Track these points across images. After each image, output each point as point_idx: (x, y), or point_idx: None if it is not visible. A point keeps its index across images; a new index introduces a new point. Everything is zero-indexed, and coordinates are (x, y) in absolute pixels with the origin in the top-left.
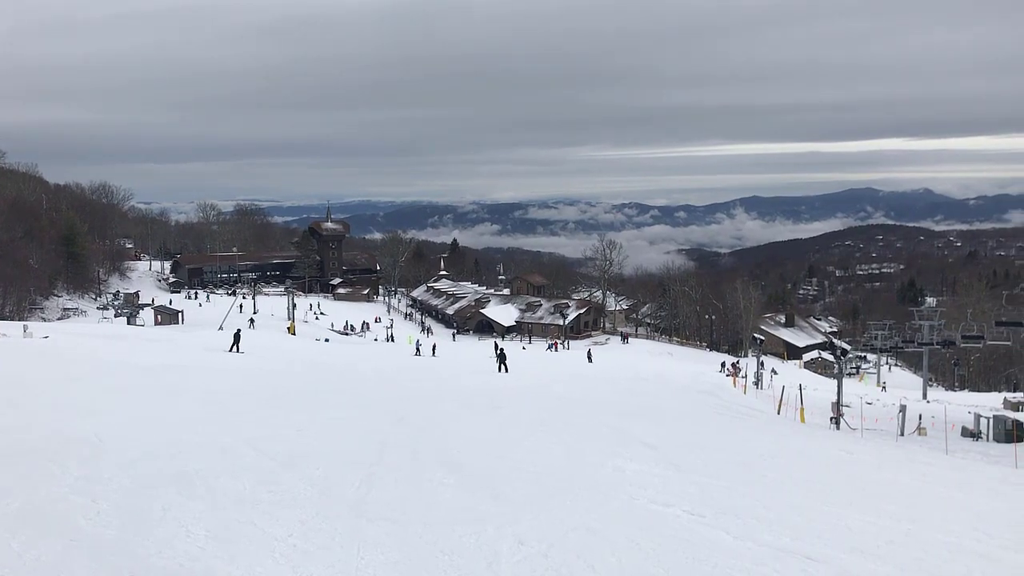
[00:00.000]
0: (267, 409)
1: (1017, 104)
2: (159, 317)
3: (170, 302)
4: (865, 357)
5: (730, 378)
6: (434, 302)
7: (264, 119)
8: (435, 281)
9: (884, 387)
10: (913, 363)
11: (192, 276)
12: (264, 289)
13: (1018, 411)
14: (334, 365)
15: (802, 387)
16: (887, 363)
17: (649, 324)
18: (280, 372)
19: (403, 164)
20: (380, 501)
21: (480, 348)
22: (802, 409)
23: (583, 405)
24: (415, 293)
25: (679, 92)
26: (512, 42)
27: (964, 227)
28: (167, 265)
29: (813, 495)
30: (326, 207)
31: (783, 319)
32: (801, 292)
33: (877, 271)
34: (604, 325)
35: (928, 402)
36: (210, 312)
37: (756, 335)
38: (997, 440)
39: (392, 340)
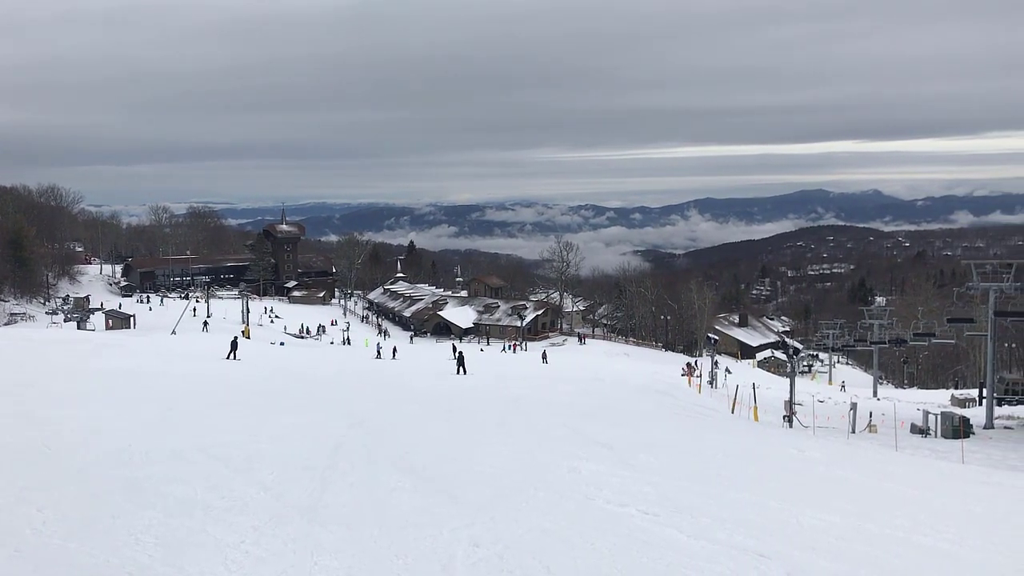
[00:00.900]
0: (220, 414)
1: (964, 107)
2: (110, 322)
3: (120, 306)
4: (817, 356)
5: (685, 378)
6: (391, 304)
7: (218, 120)
8: (392, 283)
9: (843, 386)
10: (864, 361)
11: (144, 280)
12: (218, 292)
13: (965, 408)
14: (289, 369)
15: (755, 386)
16: (838, 362)
17: (606, 325)
18: (234, 377)
19: (359, 166)
20: (334, 505)
21: (439, 350)
22: (755, 408)
23: (540, 406)
24: (372, 295)
25: (635, 95)
26: (469, 45)
27: (912, 228)
28: (118, 269)
29: (766, 493)
30: (281, 209)
31: (737, 319)
32: (754, 292)
33: (828, 271)
34: (561, 326)
35: (878, 400)
36: (163, 316)
37: (711, 335)
38: (945, 436)
39: (348, 343)
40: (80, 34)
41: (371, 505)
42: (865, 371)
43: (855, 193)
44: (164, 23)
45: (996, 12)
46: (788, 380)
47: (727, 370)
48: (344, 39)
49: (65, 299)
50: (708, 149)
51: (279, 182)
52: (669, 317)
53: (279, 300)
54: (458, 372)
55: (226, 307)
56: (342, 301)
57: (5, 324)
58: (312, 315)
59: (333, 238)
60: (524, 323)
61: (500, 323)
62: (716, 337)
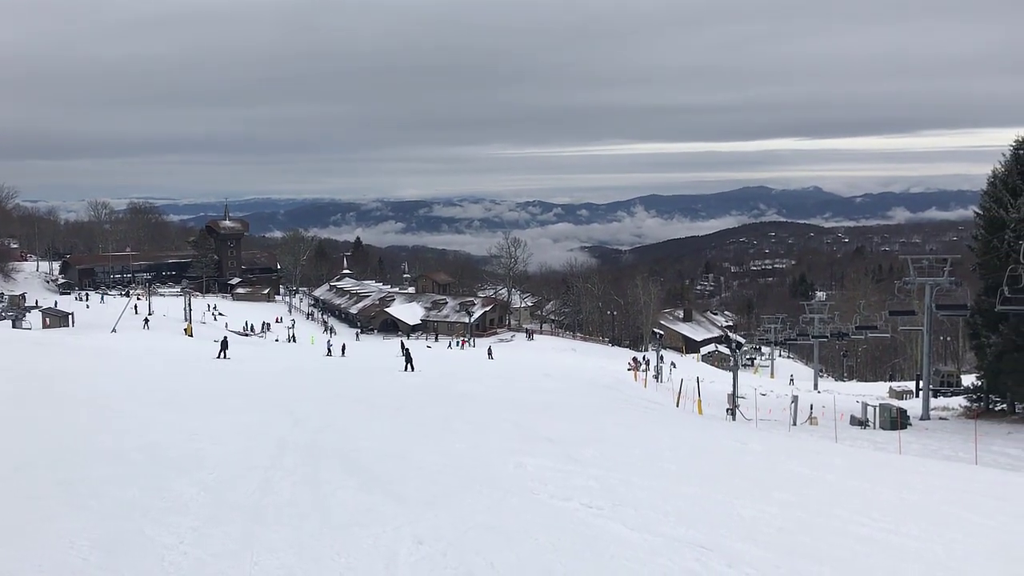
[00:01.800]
0: (161, 414)
1: (900, 105)
2: (47, 320)
3: (55, 304)
4: (760, 349)
5: (631, 372)
6: (337, 301)
7: (158, 115)
8: (338, 280)
9: (792, 379)
10: (804, 355)
11: (83, 277)
12: (159, 290)
13: (902, 400)
14: (231, 367)
15: (700, 380)
16: (780, 355)
17: (554, 321)
18: (175, 375)
19: (304, 161)
20: (276, 505)
21: (387, 347)
22: (699, 401)
23: (486, 402)
24: (317, 292)
25: (581, 92)
26: (415, 39)
27: (851, 224)
28: (56, 266)
29: (709, 485)
30: (224, 205)
31: (681, 314)
32: (698, 288)
33: (770, 267)
34: (510, 322)
35: (819, 392)
36: (102, 314)
37: (656, 330)
38: (883, 428)
39: (294, 340)
40: (11, 25)
41: (314, 504)
42: (806, 364)
43: (796, 190)
44: (100, 14)
45: (934, 14)
46: (731, 374)
47: (672, 364)
48: (286, 31)
49: None
50: (654, 147)
51: (222, 177)
52: (615, 312)
53: (222, 297)
54: (405, 369)
55: (168, 304)
56: (287, 298)
57: None
58: (256, 312)
59: (278, 234)
60: (472, 320)
61: (448, 320)
62: (661, 332)
